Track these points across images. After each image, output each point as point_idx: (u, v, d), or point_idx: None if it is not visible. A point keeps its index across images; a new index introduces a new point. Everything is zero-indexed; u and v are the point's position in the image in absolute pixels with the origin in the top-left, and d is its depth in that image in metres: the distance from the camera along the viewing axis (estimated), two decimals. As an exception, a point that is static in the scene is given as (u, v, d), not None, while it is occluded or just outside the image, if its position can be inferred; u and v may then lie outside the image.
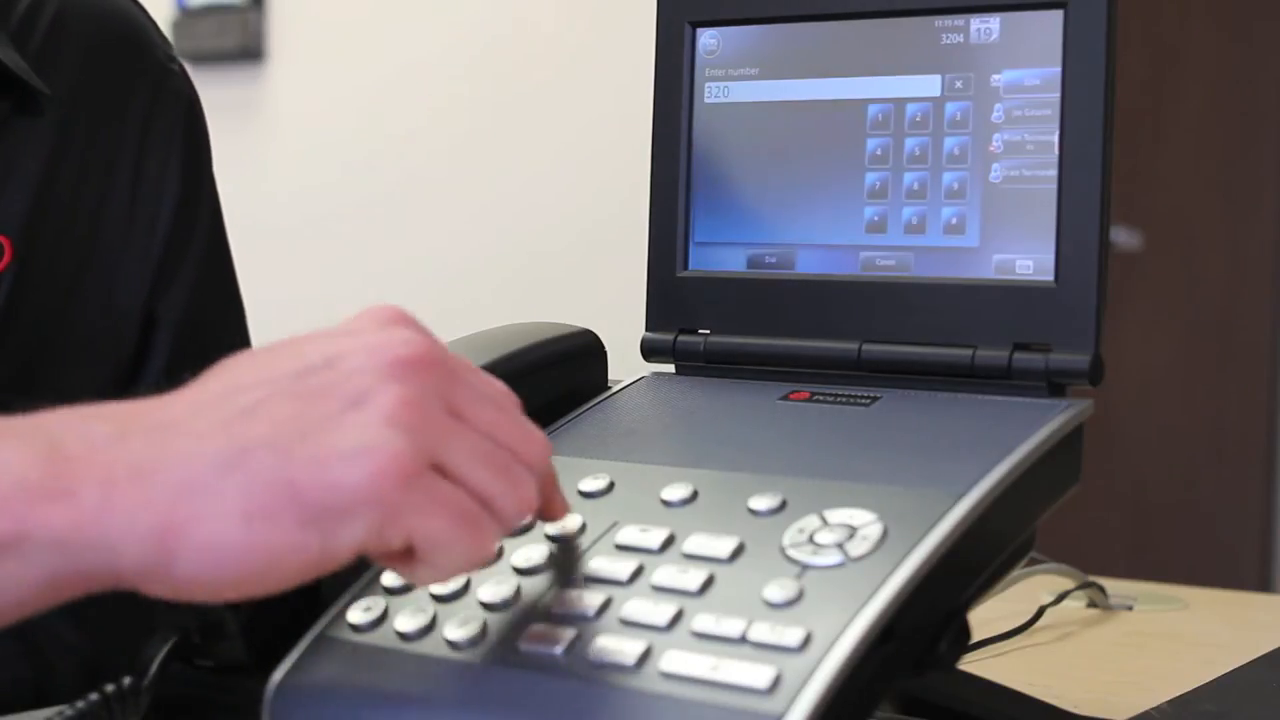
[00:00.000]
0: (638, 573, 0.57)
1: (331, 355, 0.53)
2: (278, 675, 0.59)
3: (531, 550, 0.60)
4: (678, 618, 0.55)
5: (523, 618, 0.57)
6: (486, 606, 0.58)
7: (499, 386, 0.57)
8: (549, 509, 0.59)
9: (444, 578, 0.55)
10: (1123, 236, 3.34)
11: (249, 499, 0.50)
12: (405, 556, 0.53)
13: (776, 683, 0.51)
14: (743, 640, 0.53)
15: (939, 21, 0.67)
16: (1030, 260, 0.65)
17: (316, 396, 0.52)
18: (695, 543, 0.58)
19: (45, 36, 0.95)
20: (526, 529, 0.60)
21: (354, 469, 0.51)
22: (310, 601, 0.62)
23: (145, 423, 0.52)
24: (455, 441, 0.53)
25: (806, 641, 0.52)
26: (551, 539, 0.60)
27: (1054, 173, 0.65)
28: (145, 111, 0.99)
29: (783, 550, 0.57)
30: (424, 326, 0.56)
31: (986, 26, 0.67)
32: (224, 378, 0.54)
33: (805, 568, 0.56)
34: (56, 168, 0.94)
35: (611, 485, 0.62)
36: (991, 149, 0.66)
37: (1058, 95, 0.65)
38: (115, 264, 0.96)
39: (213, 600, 0.52)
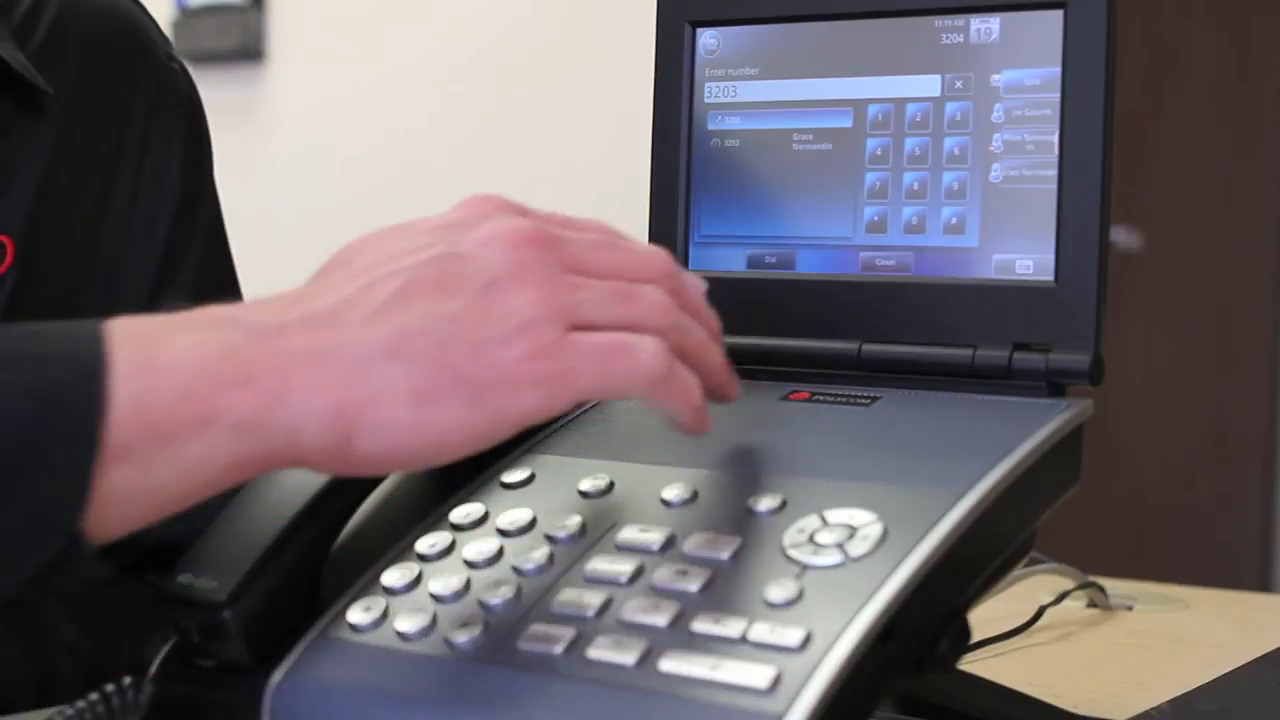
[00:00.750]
0: (638, 573, 0.57)
1: (451, 243, 0.57)
2: (278, 675, 0.59)
3: (531, 550, 0.60)
4: (678, 618, 0.55)
5: (523, 618, 0.57)
6: (486, 606, 0.58)
7: (596, 225, 0.61)
8: (685, 297, 0.61)
9: (635, 393, 0.58)
10: (1123, 236, 3.34)
11: (417, 381, 0.54)
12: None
13: (776, 683, 0.51)
14: (743, 640, 0.53)
15: (939, 21, 0.67)
16: (1030, 260, 0.65)
17: (451, 284, 0.56)
18: (695, 543, 0.58)
19: (47, 35, 0.95)
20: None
21: (510, 349, 0.55)
22: (310, 601, 0.62)
23: (299, 314, 0.56)
24: (584, 296, 0.57)
25: (806, 641, 0.52)
26: (551, 539, 0.60)
27: (1054, 173, 0.65)
28: (146, 111, 0.99)
29: (783, 550, 0.57)
30: (518, 205, 0.60)
31: (986, 26, 0.67)
32: (352, 267, 0.58)
33: (805, 568, 0.56)
34: (58, 167, 0.94)
35: (611, 485, 0.62)
36: (991, 149, 0.66)
37: (1058, 95, 0.65)
38: (116, 264, 0.96)
39: (381, 473, 0.59)
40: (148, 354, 0.53)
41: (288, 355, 0.54)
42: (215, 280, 1.01)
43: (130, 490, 0.53)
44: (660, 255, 0.61)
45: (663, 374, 0.58)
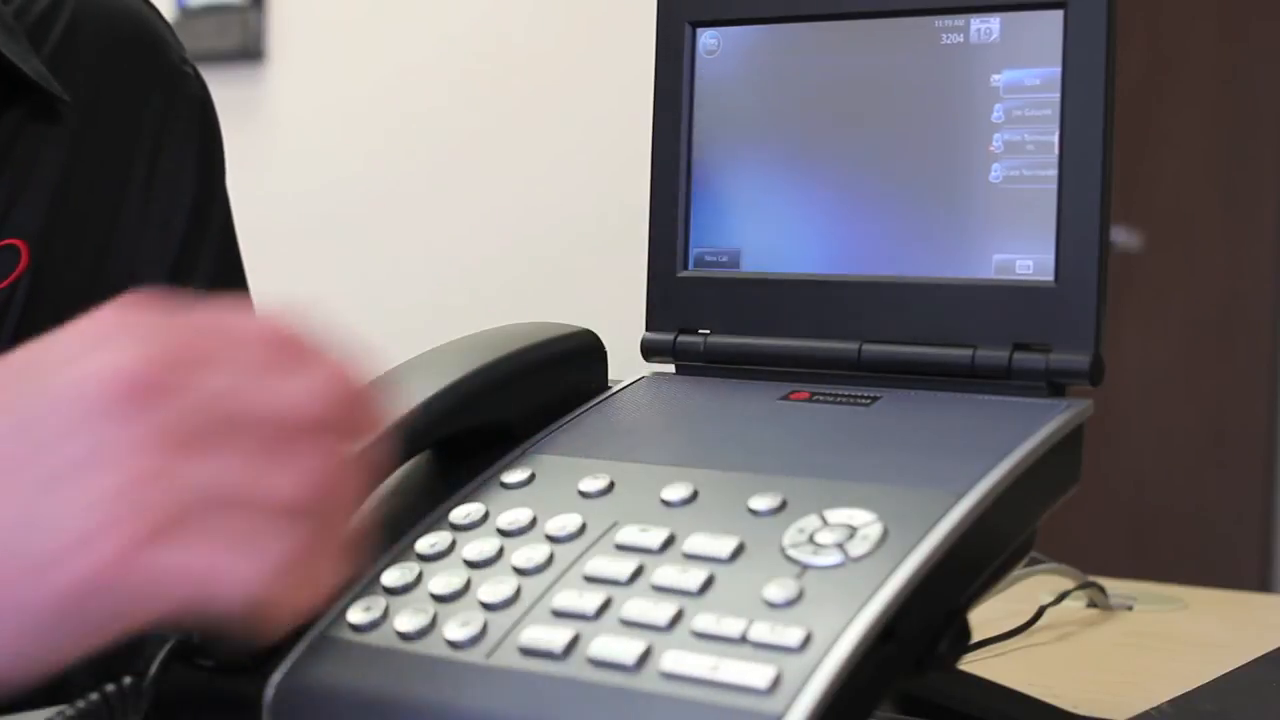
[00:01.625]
0: (638, 573, 0.57)
1: (46, 402, 0.46)
2: (278, 675, 0.59)
3: (531, 550, 0.60)
4: (678, 618, 0.55)
5: (523, 618, 0.57)
6: (486, 606, 0.58)
7: (257, 335, 0.50)
8: (361, 428, 0.51)
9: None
10: (1123, 236, 3.34)
11: None
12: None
13: (776, 683, 0.51)
14: (743, 640, 0.53)
15: (939, 21, 0.67)
16: (1030, 260, 0.65)
17: (26, 464, 0.45)
18: (695, 543, 0.58)
19: (62, 38, 0.95)
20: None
21: (76, 562, 0.45)
22: (310, 601, 0.62)
23: None
24: (199, 481, 0.46)
25: (806, 641, 0.52)
26: (551, 539, 0.60)
27: (1054, 173, 0.65)
28: (160, 115, 0.99)
29: (783, 550, 0.57)
30: (150, 321, 0.49)
31: (986, 26, 0.67)
32: None
33: (805, 568, 0.56)
34: (72, 172, 0.94)
35: (611, 485, 0.62)
36: (991, 149, 0.66)
37: (1058, 95, 0.65)
38: (131, 266, 0.96)
39: None
40: None
41: None
42: (227, 281, 1.02)
43: None
44: (315, 393, 0.48)
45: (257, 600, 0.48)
